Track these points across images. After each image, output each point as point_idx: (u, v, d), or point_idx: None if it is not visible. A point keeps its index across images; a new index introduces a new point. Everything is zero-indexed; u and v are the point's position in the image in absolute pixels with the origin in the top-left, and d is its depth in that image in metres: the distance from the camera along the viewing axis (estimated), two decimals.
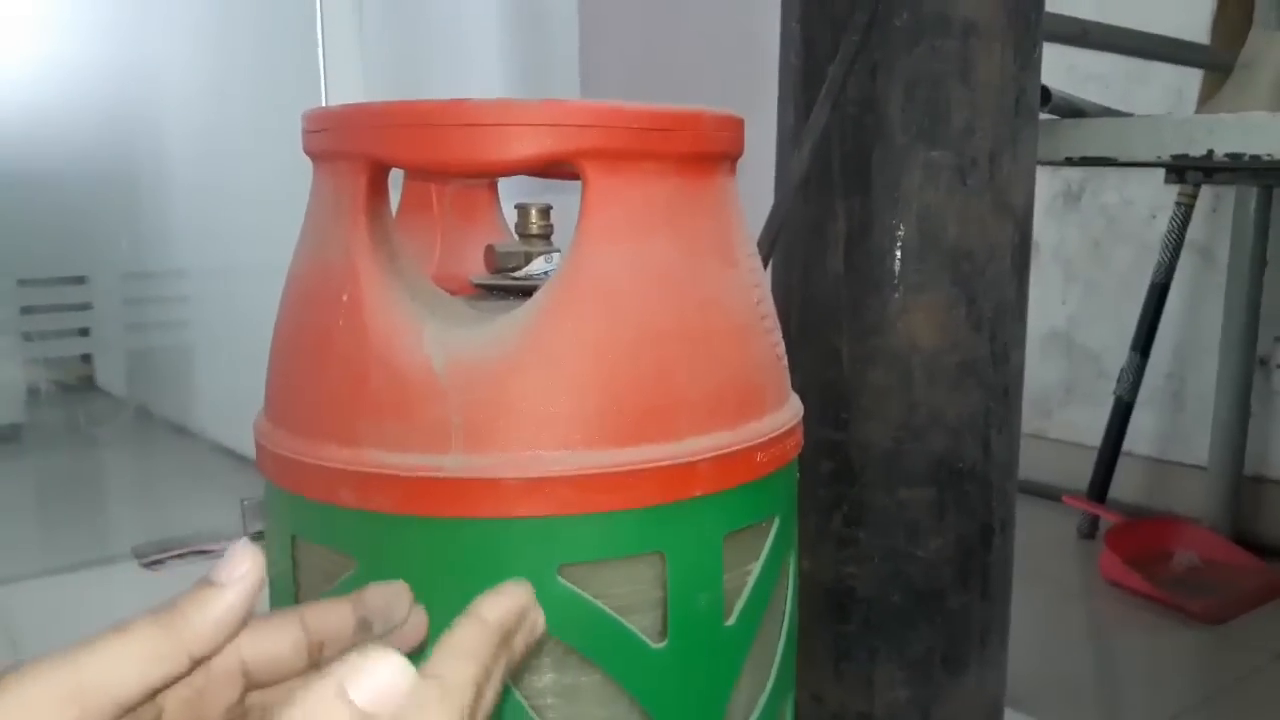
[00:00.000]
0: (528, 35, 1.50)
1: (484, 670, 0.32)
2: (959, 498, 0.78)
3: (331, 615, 0.36)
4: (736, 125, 0.48)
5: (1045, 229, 1.89)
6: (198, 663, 0.31)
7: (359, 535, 0.44)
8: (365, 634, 0.37)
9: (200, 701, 0.33)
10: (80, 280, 1.80)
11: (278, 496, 0.47)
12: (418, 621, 0.38)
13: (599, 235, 0.43)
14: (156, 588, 1.43)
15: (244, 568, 0.32)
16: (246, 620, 0.32)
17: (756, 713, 0.49)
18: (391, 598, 0.38)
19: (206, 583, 0.32)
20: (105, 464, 2.10)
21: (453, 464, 0.42)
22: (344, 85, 1.24)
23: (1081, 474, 1.70)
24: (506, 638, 0.34)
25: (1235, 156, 0.82)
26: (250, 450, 0.49)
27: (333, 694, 0.28)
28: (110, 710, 0.29)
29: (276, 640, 0.34)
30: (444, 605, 0.43)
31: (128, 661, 0.30)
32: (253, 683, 0.34)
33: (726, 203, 0.48)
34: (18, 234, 1.68)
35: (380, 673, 0.28)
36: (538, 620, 0.37)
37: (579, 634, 0.43)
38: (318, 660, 0.36)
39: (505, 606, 0.35)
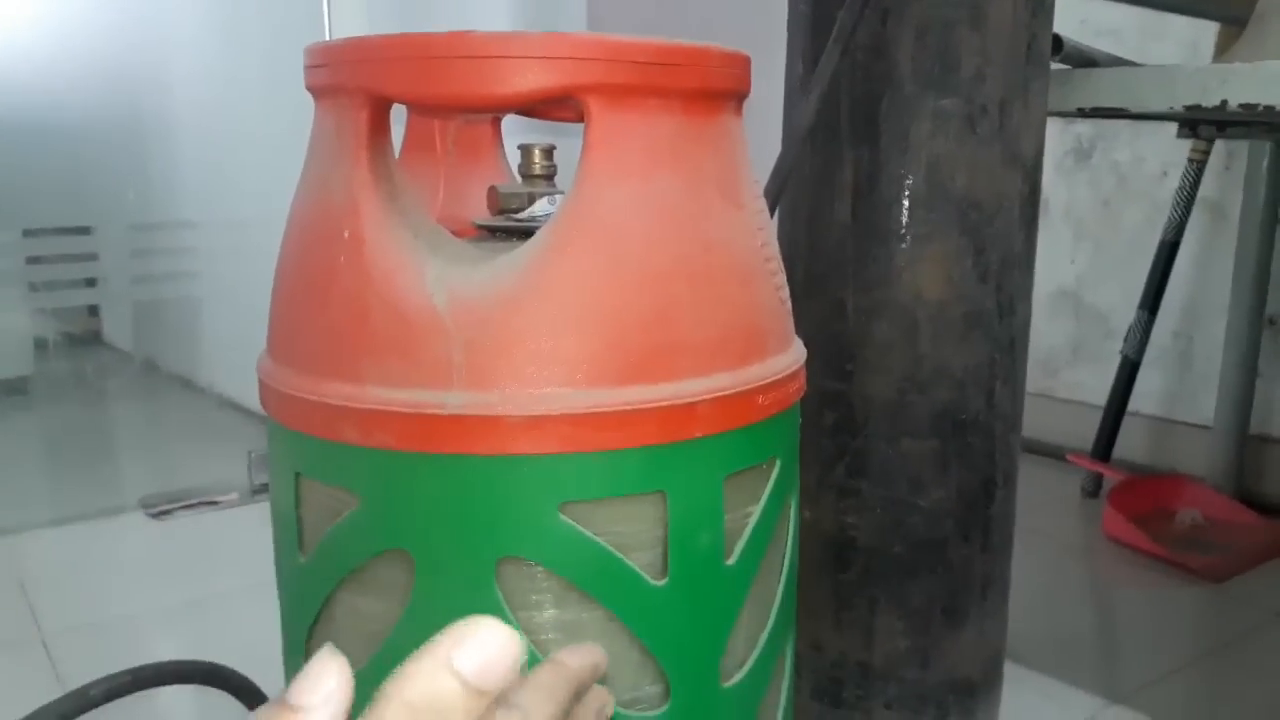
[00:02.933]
0: None
1: (560, 710, 0.31)
2: (962, 449, 0.78)
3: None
4: (744, 63, 0.47)
5: (1055, 187, 1.87)
6: None
7: (362, 472, 0.44)
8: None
9: None
10: (86, 231, 1.79)
11: (281, 434, 0.47)
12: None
13: (603, 172, 0.43)
14: (164, 538, 1.44)
15: (329, 685, 0.26)
16: None
17: (756, 652, 0.49)
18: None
19: (286, 708, 0.26)
20: (113, 416, 2.11)
21: (455, 401, 0.42)
22: (348, 25, 1.23)
23: (1087, 434, 1.70)
24: (581, 687, 0.33)
25: (1249, 107, 0.81)
26: (257, 404, 0.49)
27: (440, 665, 0.26)
28: None
29: None
30: (447, 541, 0.43)
31: None
32: None
33: (732, 143, 0.48)
34: (23, 184, 1.68)
35: (488, 642, 0.26)
36: (608, 701, 0.35)
37: (580, 571, 0.43)
38: None
39: (583, 657, 0.34)
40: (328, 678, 0.27)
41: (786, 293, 0.52)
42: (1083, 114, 0.95)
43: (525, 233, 0.50)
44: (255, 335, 0.54)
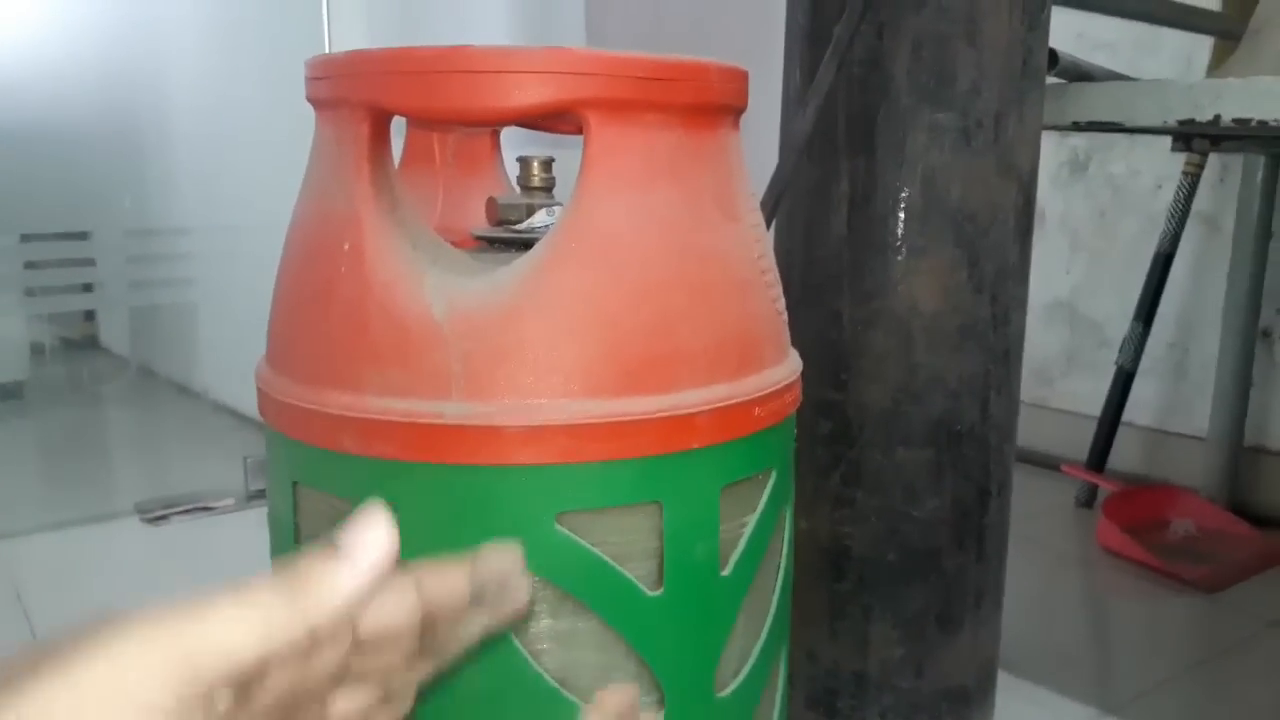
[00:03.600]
0: None
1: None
2: (956, 459, 0.79)
3: (447, 582, 0.33)
4: (741, 78, 0.48)
5: (1051, 199, 1.88)
6: (316, 637, 0.28)
7: (360, 481, 0.44)
8: (478, 607, 0.33)
9: (306, 670, 0.28)
10: (83, 236, 1.79)
11: (279, 442, 0.48)
12: (522, 595, 0.35)
13: (601, 186, 0.43)
14: (159, 543, 1.44)
15: (376, 533, 0.28)
16: (374, 593, 0.29)
17: (750, 662, 0.50)
18: (507, 567, 0.34)
19: (334, 548, 0.28)
20: (109, 421, 2.11)
21: (453, 411, 0.42)
22: (348, 35, 1.23)
23: (1082, 444, 1.70)
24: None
25: (1242, 121, 0.81)
26: (253, 409, 0.49)
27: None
28: (219, 678, 0.25)
29: (394, 612, 0.30)
30: (444, 550, 0.43)
31: (244, 626, 0.26)
32: (357, 653, 0.30)
33: (730, 156, 0.48)
34: (21, 189, 1.68)
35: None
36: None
37: (576, 580, 0.43)
38: (429, 631, 0.32)
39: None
40: (374, 526, 0.28)
41: (783, 305, 0.52)
42: (1078, 127, 0.95)
43: (524, 244, 0.51)
44: (251, 341, 0.54)
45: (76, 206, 1.76)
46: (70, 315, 2.26)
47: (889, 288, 0.76)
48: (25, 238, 1.76)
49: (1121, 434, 1.68)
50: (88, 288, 1.94)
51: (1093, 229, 1.86)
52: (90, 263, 1.85)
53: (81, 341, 2.32)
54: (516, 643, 0.43)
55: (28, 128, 1.64)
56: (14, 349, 2.04)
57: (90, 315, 2.32)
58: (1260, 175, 1.54)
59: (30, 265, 1.79)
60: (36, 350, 2.11)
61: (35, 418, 2.09)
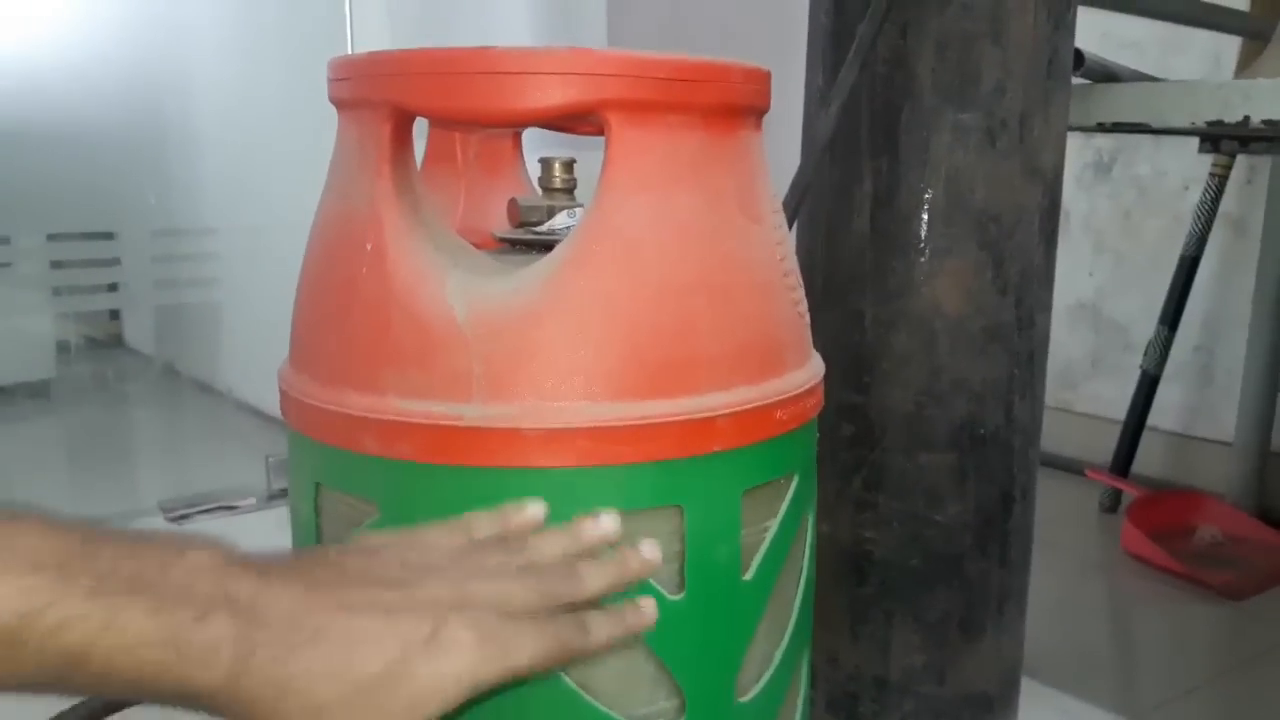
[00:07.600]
0: None
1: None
2: (980, 463, 0.78)
3: None
4: (764, 79, 0.48)
5: (1076, 200, 1.86)
6: None
7: (380, 482, 0.44)
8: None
9: None
10: (109, 236, 1.81)
11: (301, 443, 0.48)
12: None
13: (622, 187, 0.43)
14: None
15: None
16: None
17: (772, 667, 0.49)
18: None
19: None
20: (133, 420, 2.12)
21: (473, 413, 0.42)
22: (370, 36, 1.24)
23: (1107, 448, 1.69)
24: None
25: (1272, 123, 0.80)
26: (275, 409, 0.50)
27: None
28: None
29: None
30: None
31: None
32: None
33: (752, 158, 0.48)
34: (47, 189, 1.69)
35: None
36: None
37: None
38: None
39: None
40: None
41: (805, 307, 0.52)
42: (1103, 129, 0.94)
43: (545, 245, 0.51)
44: (274, 341, 0.55)
45: (102, 207, 1.77)
46: (96, 314, 2.28)
47: (912, 289, 0.76)
48: (52, 237, 1.78)
49: (1146, 438, 1.67)
50: (113, 287, 1.96)
51: (1117, 231, 1.85)
52: (116, 262, 1.86)
53: (107, 340, 2.33)
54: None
55: (54, 129, 1.66)
56: (41, 348, 2.05)
57: (116, 314, 2.33)
58: None
59: (56, 265, 1.80)
60: (63, 349, 2.13)
61: (61, 416, 2.11)
